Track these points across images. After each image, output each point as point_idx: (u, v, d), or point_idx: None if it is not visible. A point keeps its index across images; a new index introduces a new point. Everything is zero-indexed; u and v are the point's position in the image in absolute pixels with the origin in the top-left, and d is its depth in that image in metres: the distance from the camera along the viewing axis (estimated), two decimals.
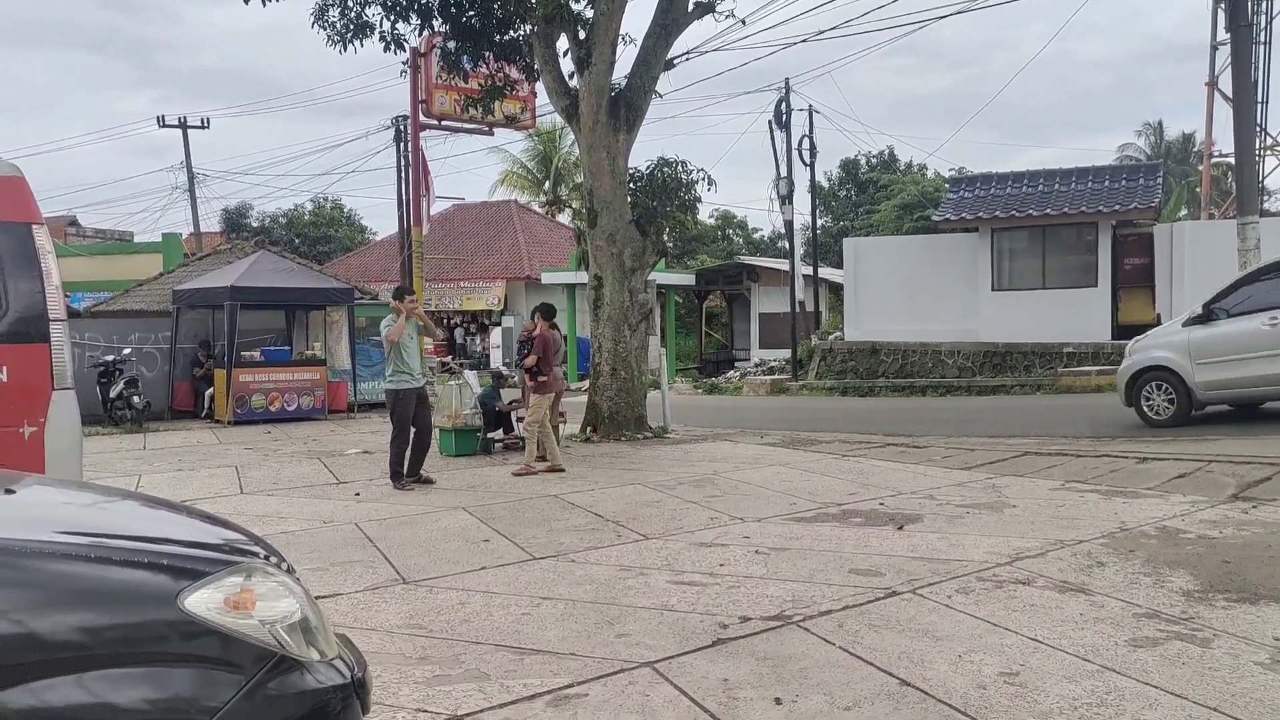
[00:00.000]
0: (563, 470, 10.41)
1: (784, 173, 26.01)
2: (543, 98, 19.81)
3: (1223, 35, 23.50)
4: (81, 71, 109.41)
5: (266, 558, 2.64)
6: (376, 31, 14.15)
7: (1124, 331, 18.22)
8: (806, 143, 26.64)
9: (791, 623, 4.92)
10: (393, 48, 14.39)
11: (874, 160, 46.71)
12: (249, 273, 18.21)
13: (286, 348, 19.08)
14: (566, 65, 14.14)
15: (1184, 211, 32.42)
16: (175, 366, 18.61)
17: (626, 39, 14.05)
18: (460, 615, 5.25)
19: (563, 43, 14.06)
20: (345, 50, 14.12)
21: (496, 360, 26.55)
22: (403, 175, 27.78)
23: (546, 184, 41.72)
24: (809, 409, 18.41)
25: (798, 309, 26.02)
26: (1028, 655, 4.38)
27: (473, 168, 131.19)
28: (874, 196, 43.39)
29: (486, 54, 14.97)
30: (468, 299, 33.21)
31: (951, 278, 21.72)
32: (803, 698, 3.97)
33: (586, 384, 16.11)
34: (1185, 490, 8.18)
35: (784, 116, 25.75)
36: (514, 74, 16.14)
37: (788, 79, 25.63)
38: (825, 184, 45.16)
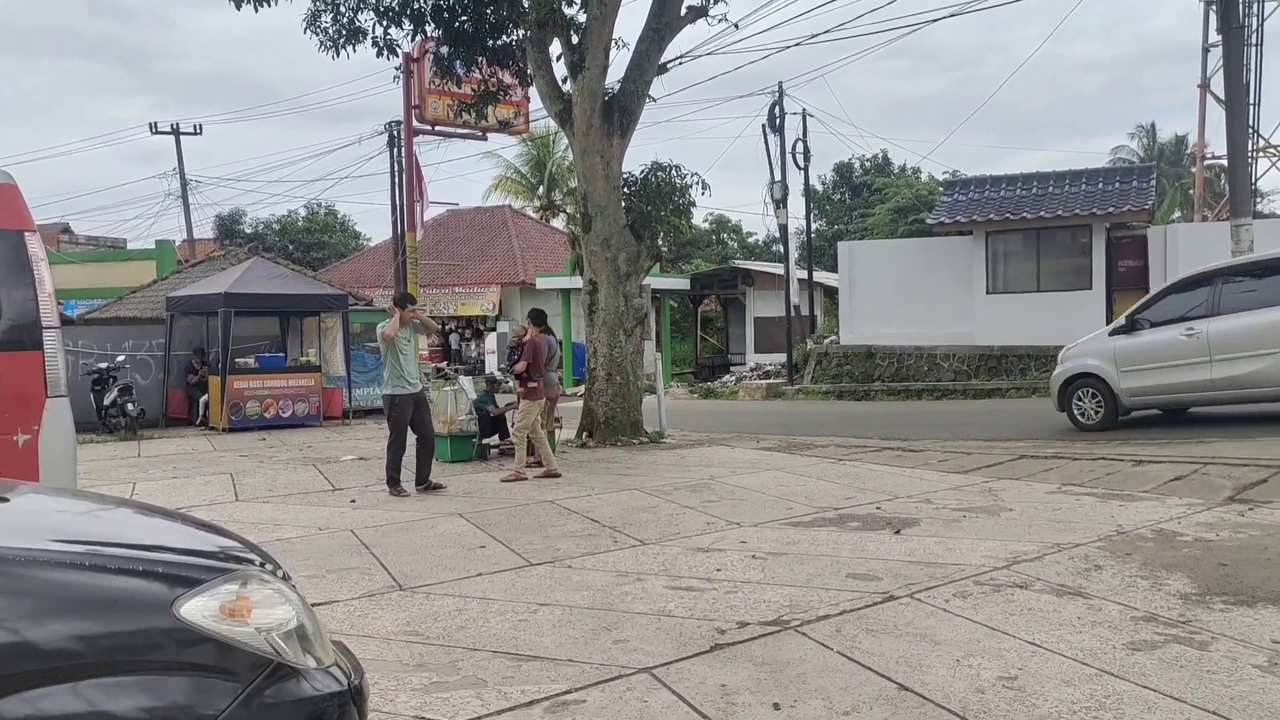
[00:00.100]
0: (559, 476, 10.39)
1: (778, 177, 26.01)
2: (536, 102, 19.85)
3: (1214, 37, 23.59)
4: (78, 78, 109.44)
5: (262, 565, 2.63)
6: (369, 37, 14.20)
7: None
8: (800, 146, 26.60)
9: (789, 628, 4.92)
10: (385, 53, 14.44)
11: (868, 164, 46.71)
12: (243, 279, 18.19)
13: (281, 354, 19.06)
14: (560, 70, 14.15)
15: (1177, 214, 32.43)
16: (169, 374, 18.58)
17: (620, 43, 14.08)
18: (457, 622, 5.23)
19: (556, 47, 14.07)
20: (338, 56, 14.22)
21: (492, 365, 26.52)
22: (396, 181, 27.77)
23: (540, 189, 41.74)
24: (805, 413, 18.41)
25: (793, 313, 25.99)
26: (1026, 659, 4.37)
27: (466, 173, 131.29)
28: (868, 200, 43.38)
29: (479, 59, 15.01)
30: (462, 304, 33.17)
31: (946, 281, 21.71)
32: (801, 703, 3.96)
33: (582, 389, 16.09)
34: (1182, 493, 8.18)
35: (778, 120, 25.76)
36: (507, 79, 16.15)
37: (781, 83, 25.69)
38: (819, 188, 45.12)
